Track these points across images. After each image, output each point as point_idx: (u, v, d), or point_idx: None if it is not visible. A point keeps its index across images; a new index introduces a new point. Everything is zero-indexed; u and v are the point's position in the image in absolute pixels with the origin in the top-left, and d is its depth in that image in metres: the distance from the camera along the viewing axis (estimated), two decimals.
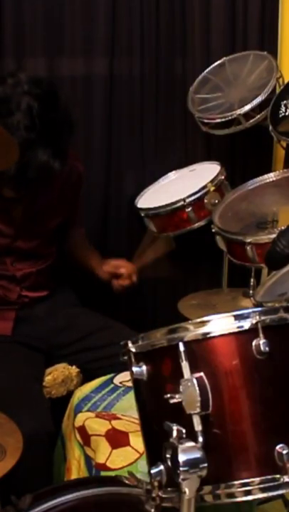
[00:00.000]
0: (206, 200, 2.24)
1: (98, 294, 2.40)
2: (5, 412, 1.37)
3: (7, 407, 1.53)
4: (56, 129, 1.83)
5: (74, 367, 2.02)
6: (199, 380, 1.13)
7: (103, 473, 1.62)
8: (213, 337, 1.16)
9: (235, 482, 1.12)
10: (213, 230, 2.16)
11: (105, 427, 1.69)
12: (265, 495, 1.13)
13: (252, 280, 2.21)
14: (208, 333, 1.15)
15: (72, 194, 2.17)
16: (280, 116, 2.25)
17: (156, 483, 1.17)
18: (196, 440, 1.12)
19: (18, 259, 2.06)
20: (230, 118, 2.32)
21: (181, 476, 1.08)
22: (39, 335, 2.07)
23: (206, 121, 2.39)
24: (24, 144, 1.73)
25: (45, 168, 1.81)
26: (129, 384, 1.70)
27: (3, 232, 2.01)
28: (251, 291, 2.20)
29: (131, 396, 1.64)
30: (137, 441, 1.60)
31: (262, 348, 1.12)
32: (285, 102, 2.26)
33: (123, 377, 1.90)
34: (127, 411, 1.74)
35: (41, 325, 2.09)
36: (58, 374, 1.98)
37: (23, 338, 2.05)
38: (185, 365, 1.15)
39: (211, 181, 2.27)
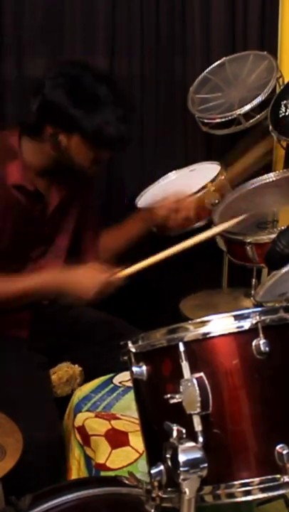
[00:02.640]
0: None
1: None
2: (17, 419, 1.36)
3: (20, 414, 1.54)
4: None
5: (76, 366, 2.02)
6: (199, 380, 1.13)
7: (103, 473, 1.62)
8: (213, 337, 1.16)
9: (236, 482, 1.12)
10: None
11: (105, 426, 1.69)
12: (265, 495, 1.13)
13: (253, 280, 2.21)
14: (208, 333, 1.15)
15: (87, 189, 2.17)
16: (280, 116, 2.25)
17: (156, 483, 1.17)
18: (196, 440, 1.12)
19: (44, 253, 2.06)
20: (230, 118, 2.32)
21: (182, 477, 1.08)
22: (51, 335, 2.07)
23: (206, 121, 2.39)
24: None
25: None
26: (129, 384, 1.70)
27: (37, 220, 2.01)
28: (253, 292, 2.20)
29: (130, 396, 1.65)
30: (137, 441, 1.60)
31: (262, 348, 1.13)
32: (285, 102, 2.26)
33: (123, 377, 1.90)
34: (127, 411, 1.74)
35: (53, 326, 2.09)
36: (63, 373, 1.98)
37: (39, 340, 2.03)
38: (185, 365, 1.15)
39: (211, 181, 2.27)
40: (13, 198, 1.93)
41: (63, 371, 1.99)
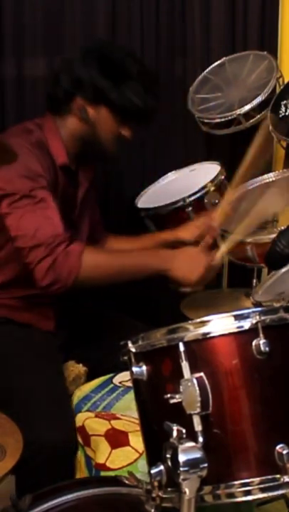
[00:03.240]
0: (206, 200, 2.24)
1: (99, 293, 2.40)
2: (34, 418, 1.35)
3: (37, 416, 1.57)
4: None
5: (81, 365, 2.02)
6: (199, 380, 1.13)
7: (103, 473, 1.62)
8: (213, 337, 1.16)
9: (236, 482, 1.12)
10: None
11: (105, 426, 1.69)
12: (265, 495, 1.13)
13: (254, 281, 2.21)
14: (208, 333, 1.16)
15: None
16: (280, 116, 2.25)
17: (156, 483, 1.17)
18: (196, 440, 1.12)
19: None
20: (230, 118, 2.32)
21: (182, 476, 1.08)
22: (69, 332, 2.07)
23: (206, 121, 2.39)
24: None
25: None
26: (129, 384, 1.70)
27: (70, 204, 2.03)
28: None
29: (130, 396, 1.65)
30: (137, 441, 1.60)
31: (262, 348, 1.13)
32: (285, 102, 2.26)
33: (122, 377, 1.90)
34: (127, 411, 1.74)
35: (72, 322, 2.09)
36: (69, 372, 1.98)
37: (61, 336, 2.03)
38: (185, 365, 1.15)
39: (211, 181, 2.27)
40: (59, 178, 1.96)
41: (69, 370, 1.99)
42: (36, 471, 1.61)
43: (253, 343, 1.14)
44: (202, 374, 1.14)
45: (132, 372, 1.22)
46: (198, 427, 1.13)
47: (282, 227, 1.47)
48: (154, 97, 1.98)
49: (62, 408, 1.79)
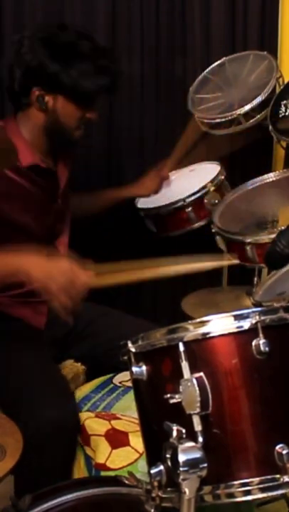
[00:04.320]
0: (206, 200, 2.25)
1: (98, 294, 2.40)
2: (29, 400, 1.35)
3: (36, 395, 1.59)
4: None
5: (80, 364, 2.02)
6: (199, 380, 1.13)
7: (103, 473, 1.62)
8: (213, 337, 1.16)
9: (235, 482, 1.12)
10: (213, 230, 2.16)
11: (105, 426, 1.69)
12: (264, 495, 1.13)
13: (255, 279, 2.21)
14: (207, 333, 1.16)
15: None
16: (280, 116, 2.25)
17: (156, 483, 1.17)
18: (196, 440, 1.12)
19: (61, 230, 2.07)
20: (230, 118, 2.31)
21: (181, 476, 1.08)
22: (62, 329, 2.06)
23: (206, 121, 2.39)
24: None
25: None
26: (129, 384, 1.71)
27: (52, 198, 2.03)
28: (254, 290, 2.20)
29: (130, 396, 1.65)
30: (137, 441, 1.60)
31: (262, 348, 1.13)
32: (285, 102, 2.26)
33: (122, 377, 1.90)
34: (127, 411, 1.74)
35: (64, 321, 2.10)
36: (68, 371, 1.98)
37: (52, 333, 2.03)
38: (185, 365, 1.15)
39: (211, 181, 2.27)
40: (31, 180, 1.95)
41: (68, 369, 1.99)
42: (39, 450, 1.61)
43: (253, 343, 1.14)
44: (202, 374, 1.14)
45: (131, 372, 1.22)
46: (198, 427, 1.13)
47: (282, 227, 1.46)
48: (109, 75, 1.92)
49: (59, 386, 1.81)
